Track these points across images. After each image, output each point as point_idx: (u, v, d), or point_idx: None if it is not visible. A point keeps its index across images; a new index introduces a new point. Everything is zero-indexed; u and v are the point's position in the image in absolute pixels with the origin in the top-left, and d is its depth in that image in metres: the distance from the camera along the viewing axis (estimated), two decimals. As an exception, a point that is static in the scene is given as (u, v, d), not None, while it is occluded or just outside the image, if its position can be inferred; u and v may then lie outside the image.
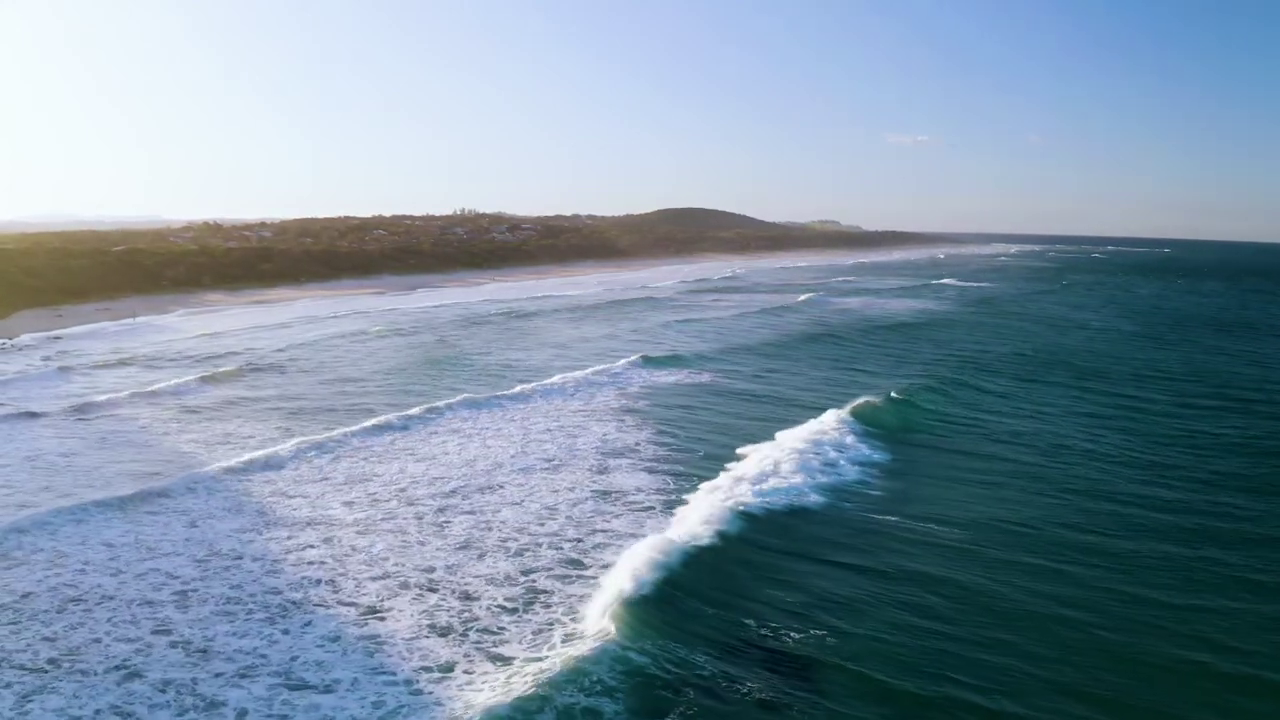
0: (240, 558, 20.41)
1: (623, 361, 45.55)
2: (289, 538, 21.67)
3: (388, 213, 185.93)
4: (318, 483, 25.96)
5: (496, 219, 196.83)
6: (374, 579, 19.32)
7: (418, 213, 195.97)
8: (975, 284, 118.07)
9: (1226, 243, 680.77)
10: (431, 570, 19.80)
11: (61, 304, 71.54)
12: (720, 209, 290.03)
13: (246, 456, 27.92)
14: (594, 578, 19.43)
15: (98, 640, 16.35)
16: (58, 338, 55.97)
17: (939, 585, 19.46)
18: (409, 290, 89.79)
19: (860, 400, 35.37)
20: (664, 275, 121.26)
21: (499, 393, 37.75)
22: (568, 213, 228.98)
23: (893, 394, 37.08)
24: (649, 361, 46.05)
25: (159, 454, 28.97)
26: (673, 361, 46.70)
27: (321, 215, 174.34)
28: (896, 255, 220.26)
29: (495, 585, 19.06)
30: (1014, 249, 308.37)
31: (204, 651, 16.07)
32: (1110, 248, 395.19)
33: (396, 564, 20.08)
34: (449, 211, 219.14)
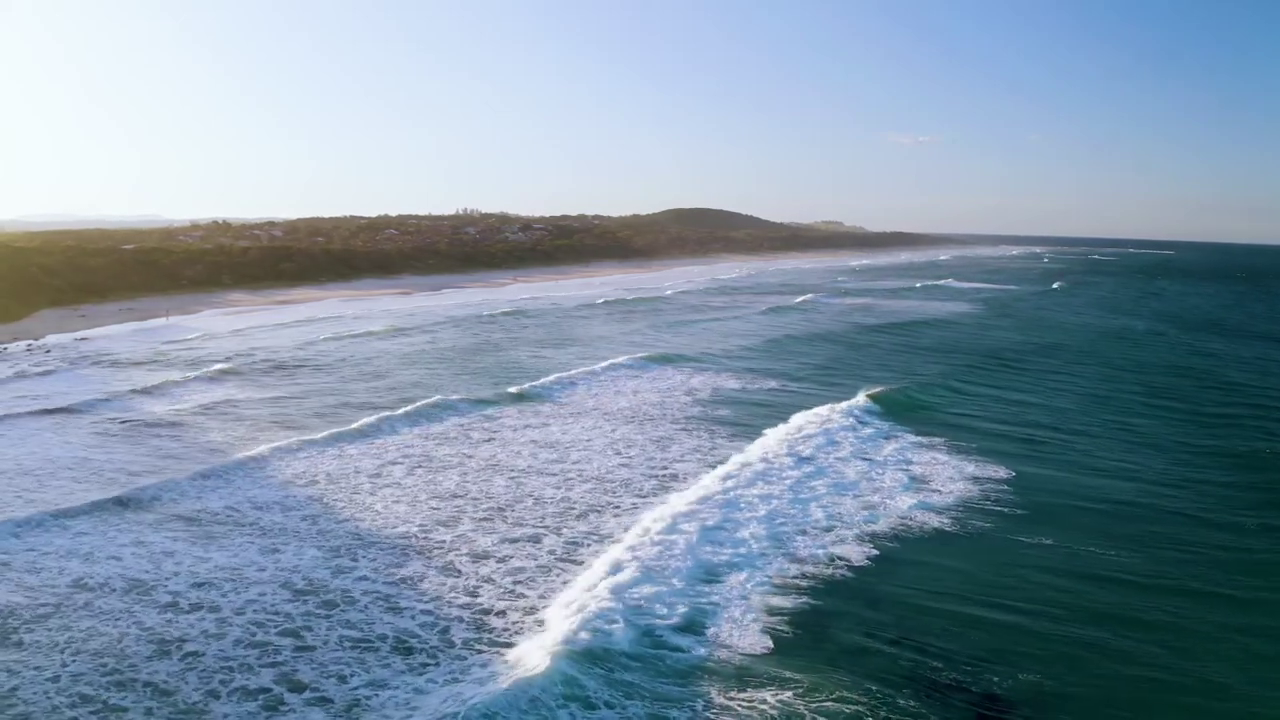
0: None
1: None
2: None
3: (387, 212, 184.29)
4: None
5: (503, 219, 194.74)
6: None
7: (419, 212, 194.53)
8: (1006, 286, 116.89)
9: (1227, 244, 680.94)
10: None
11: (82, 303, 69.36)
12: (727, 209, 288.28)
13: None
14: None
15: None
16: (84, 339, 53.79)
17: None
18: (435, 290, 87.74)
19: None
20: (693, 275, 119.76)
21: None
22: (572, 213, 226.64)
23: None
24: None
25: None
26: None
27: (319, 215, 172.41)
28: (905, 256, 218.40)
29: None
30: (1015, 250, 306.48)
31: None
32: (1111, 249, 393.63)
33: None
34: (451, 211, 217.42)
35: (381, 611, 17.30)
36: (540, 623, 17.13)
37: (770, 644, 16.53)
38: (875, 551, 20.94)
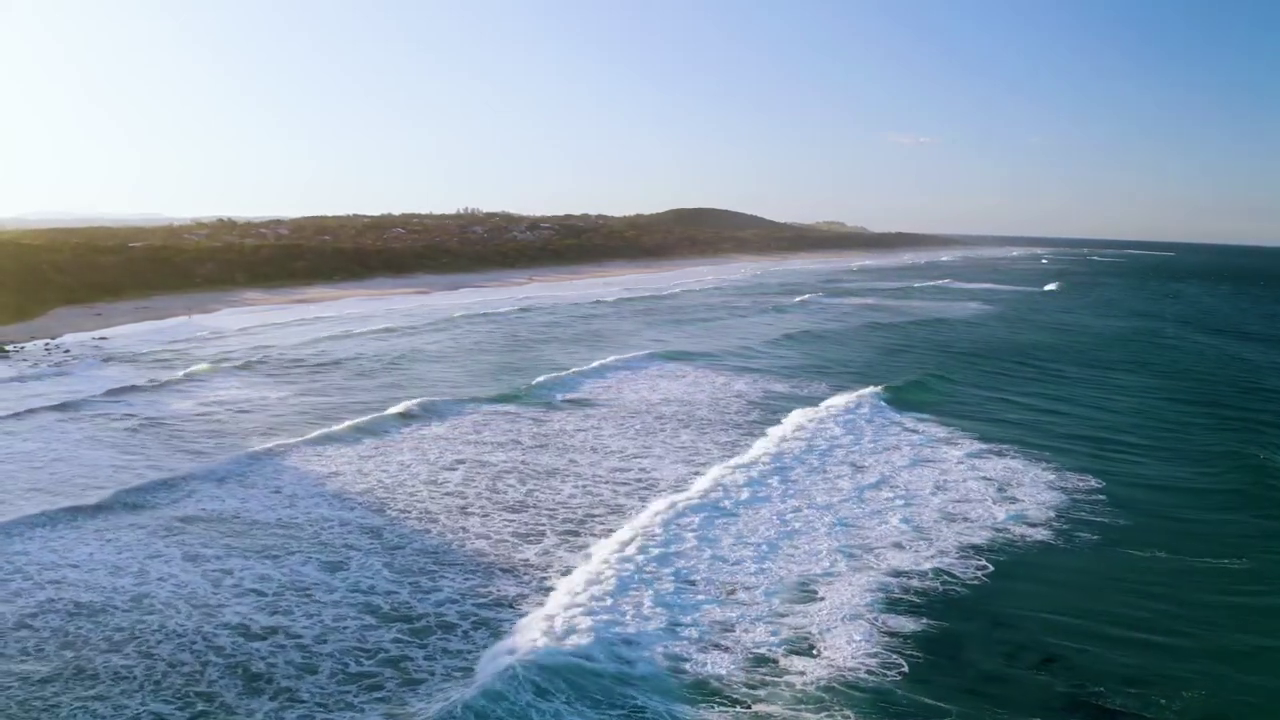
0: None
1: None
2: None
3: (390, 211, 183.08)
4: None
5: (507, 218, 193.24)
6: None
7: (420, 212, 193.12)
8: (1020, 287, 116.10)
9: (1225, 245, 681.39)
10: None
11: (95, 302, 67.88)
12: (729, 209, 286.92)
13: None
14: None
15: None
16: (103, 338, 52.35)
17: None
18: (452, 290, 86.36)
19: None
20: (709, 275, 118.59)
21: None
22: (574, 212, 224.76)
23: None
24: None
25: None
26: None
27: (320, 214, 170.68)
28: (908, 257, 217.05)
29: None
30: (1015, 251, 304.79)
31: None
32: (1111, 251, 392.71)
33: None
34: (453, 210, 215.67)
35: (487, 637, 16.00)
36: (628, 644, 15.91)
37: (904, 668, 15.35)
38: (984, 566, 19.78)
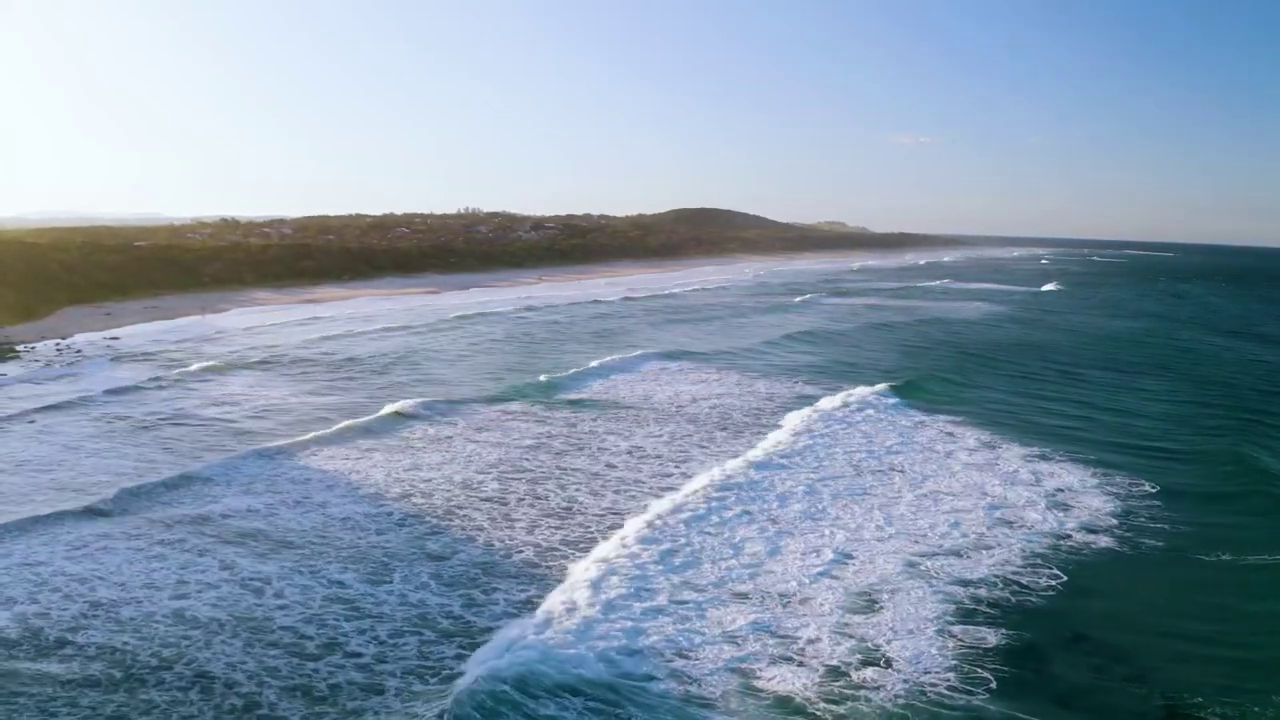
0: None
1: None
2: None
3: (391, 210, 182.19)
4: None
5: (509, 218, 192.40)
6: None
7: (420, 211, 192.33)
8: (1029, 288, 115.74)
9: (1224, 246, 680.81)
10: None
11: (104, 301, 67.09)
12: (732, 209, 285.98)
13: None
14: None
15: None
16: (115, 338, 51.56)
17: None
18: (462, 290, 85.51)
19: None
20: (719, 275, 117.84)
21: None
22: (575, 212, 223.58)
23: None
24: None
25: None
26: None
27: (319, 213, 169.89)
28: (910, 257, 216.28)
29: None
30: (1016, 252, 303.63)
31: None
32: (1110, 251, 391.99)
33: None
34: (453, 210, 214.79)
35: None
36: (684, 656, 15.23)
37: (991, 683, 14.70)
38: (1056, 575, 19.15)
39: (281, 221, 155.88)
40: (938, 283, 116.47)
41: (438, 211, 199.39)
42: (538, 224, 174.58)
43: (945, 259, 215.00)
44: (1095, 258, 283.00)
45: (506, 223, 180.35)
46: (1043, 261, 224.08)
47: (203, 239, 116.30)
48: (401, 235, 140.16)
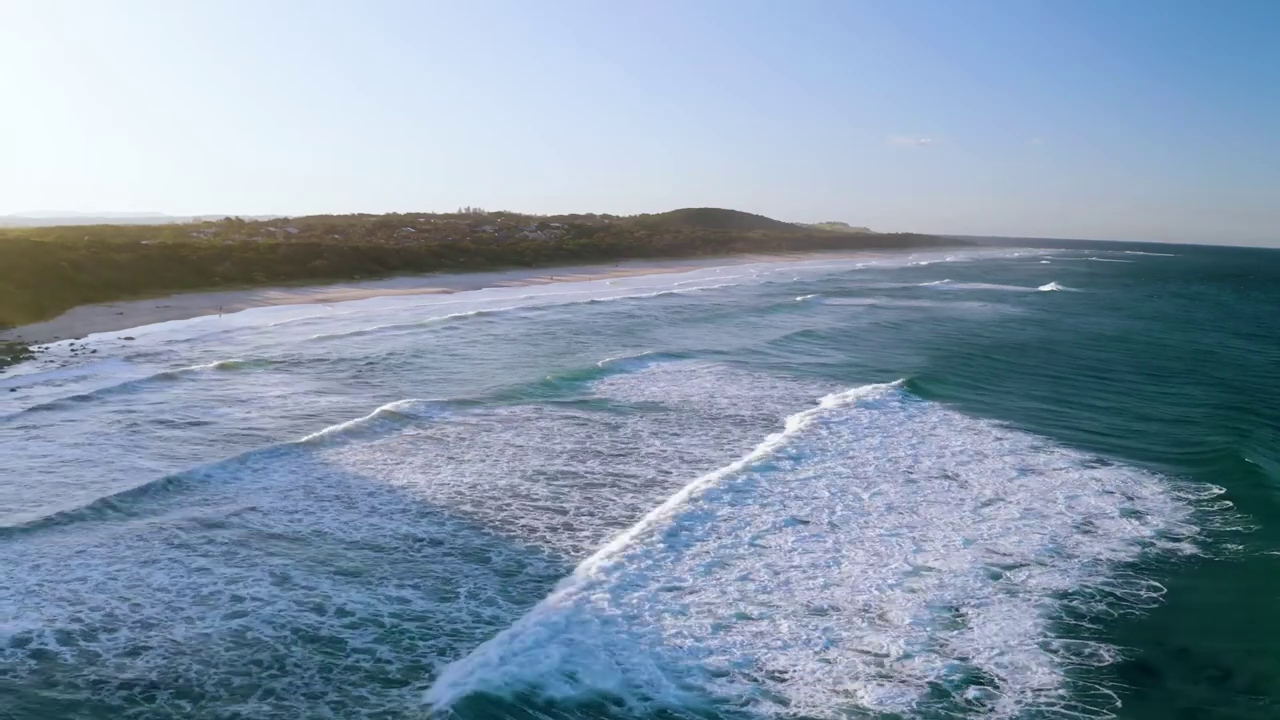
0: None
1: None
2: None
3: (389, 209, 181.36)
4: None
5: (511, 217, 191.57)
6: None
7: (421, 210, 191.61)
8: (1042, 288, 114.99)
9: (1223, 247, 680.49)
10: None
11: (115, 300, 66.10)
12: (736, 210, 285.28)
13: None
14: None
15: None
16: (130, 338, 50.56)
17: None
18: (475, 289, 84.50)
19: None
20: (730, 276, 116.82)
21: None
22: (579, 212, 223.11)
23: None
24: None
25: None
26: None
27: (319, 212, 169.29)
28: (914, 258, 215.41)
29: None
30: (1017, 252, 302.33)
31: None
32: (1111, 251, 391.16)
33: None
34: (453, 210, 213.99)
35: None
36: (777, 679, 14.34)
37: (1116, 701, 13.86)
38: (1151, 586, 18.26)
39: (286, 221, 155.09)
40: (952, 284, 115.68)
41: (438, 211, 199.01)
42: (544, 223, 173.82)
43: (948, 259, 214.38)
44: (1095, 258, 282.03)
45: (511, 222, 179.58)
46: (1043, 262, 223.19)
47: (209, 238, 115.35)
48: (408, 235, 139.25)
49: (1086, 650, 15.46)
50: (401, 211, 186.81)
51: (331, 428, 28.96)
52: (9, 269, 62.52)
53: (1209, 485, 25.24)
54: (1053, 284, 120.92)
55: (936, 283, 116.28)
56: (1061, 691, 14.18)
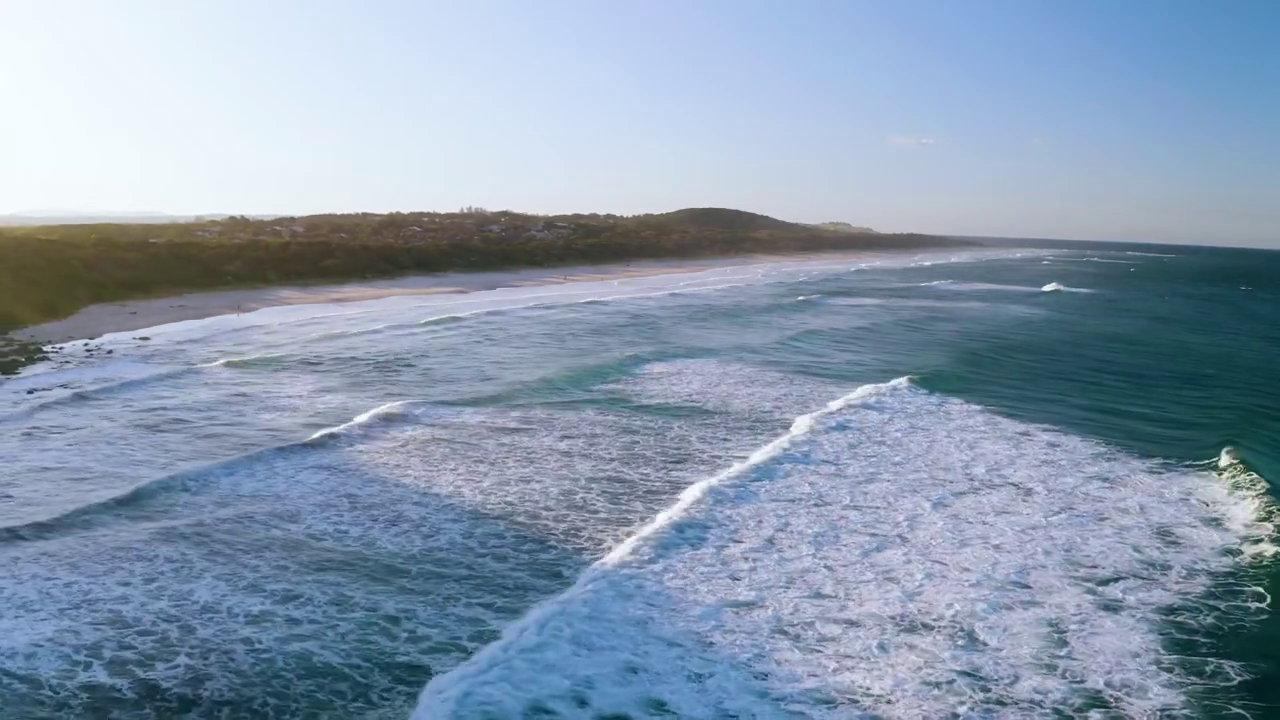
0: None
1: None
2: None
3: (392, 209, 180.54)
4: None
5: (519, 217, 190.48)
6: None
7: (423, 210, 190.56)
8: (1055, 288, 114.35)
9: (1223, 248, 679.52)
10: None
11: (127, 299, 65.12)
12: (741, 209, 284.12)
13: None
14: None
15: None
16: (145, 338, 49.52)
17: None
18: (489, 289, 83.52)
19: None
20: (741, 276, 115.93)
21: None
22: (582, 211, 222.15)
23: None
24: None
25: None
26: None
27: (320, 211, 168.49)
28: (919, 258, 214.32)
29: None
30: (1019, 253, 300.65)
31: None
32: (1112, 252, 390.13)
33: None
34: (456, 209, 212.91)
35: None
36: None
37: (1252, 724, 12.86)
38: (1256, 595, 17.51)
39: (291, 219, 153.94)
40: (958, 284, 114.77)
41: (441, 210, 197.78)
42: (550, 223, 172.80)
43: (953, 259, 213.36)
44: (1096, 259, 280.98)
45: (516, 222, 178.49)
46: (1044, 262, 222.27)
47: (215, 236, 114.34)
48: (415, 234, 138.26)
49: (1208, 668, 14.54)
50: (404, 211, 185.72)
51: (367, 428, 28.04)
52: (20, 267, 61.45)
53: (1272, 488, 24.23)
54: (1054, 284, 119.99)
55: (952, 285, 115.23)
56: (1188, 712, 13.28)
